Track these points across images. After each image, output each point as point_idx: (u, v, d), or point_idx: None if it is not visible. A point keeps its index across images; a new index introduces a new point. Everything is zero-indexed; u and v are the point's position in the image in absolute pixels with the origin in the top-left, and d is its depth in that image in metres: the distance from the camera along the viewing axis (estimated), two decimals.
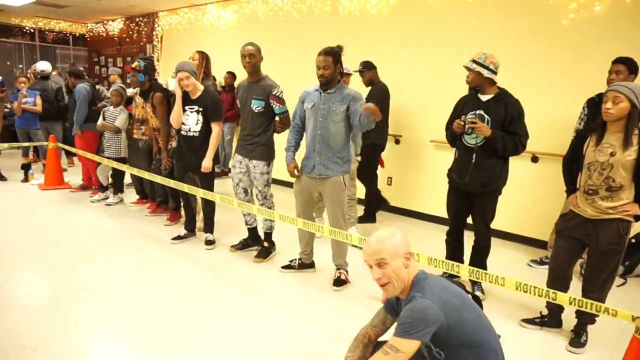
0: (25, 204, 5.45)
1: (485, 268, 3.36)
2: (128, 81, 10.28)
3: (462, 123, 3.13)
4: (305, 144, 3.46)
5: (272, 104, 3.69)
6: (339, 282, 3.48)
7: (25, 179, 6.50)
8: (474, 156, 3.18)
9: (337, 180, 3.35)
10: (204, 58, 4.67)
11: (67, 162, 7.64)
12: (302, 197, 3.51)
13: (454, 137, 3.32)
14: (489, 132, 3.08)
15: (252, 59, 3.64)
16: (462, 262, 3.49)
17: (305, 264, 3.76)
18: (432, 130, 5.21)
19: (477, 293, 3.40)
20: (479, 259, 3.37)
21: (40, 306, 3.02)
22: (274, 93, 3.67)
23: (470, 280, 3.40)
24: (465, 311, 1.70)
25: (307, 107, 3.37)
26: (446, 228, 3.62)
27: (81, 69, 5.92)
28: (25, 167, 6.55)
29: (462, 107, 3.30)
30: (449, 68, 5.02)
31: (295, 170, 3.47)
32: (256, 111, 3.70)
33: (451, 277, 3.14)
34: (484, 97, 3.19)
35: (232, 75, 7.17)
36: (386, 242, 1.75)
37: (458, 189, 3.35)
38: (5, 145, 6.42)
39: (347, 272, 3.55)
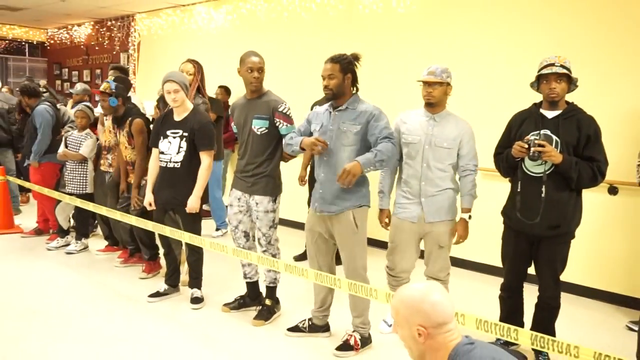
0: None
1: (553, 333, 3.31)
2: (96, 99, 10.55)
3: (526, 146, 3.11)
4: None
5: (277, 124, 3.78)
6: (344, 347, 3.51)
7: None
8: (543, 189, 3.15)
9: (345, 217, 3.40)
10: (200, 71, 4.78)
11: (19, 200, 7.75)
12: (311, 236, 3.59)
13: (512, 164, 3.31)
14: (560, 158, 3.07)
15: (262, 73, 3.79)
16: (521, 325, 3.47)
17: (317, 326, 3.75)
18: (478, 155, 5.20)
19: None
20: (545, 322, 3.33)
21: None
22: (280, 110, 3.77)
23: (533, 349, 3.34)
24: None
25: (314, 130, 3.53)
26: (498, 280, 3.60)
27: (41, 84, 6.08)
28: None
29: (519, 126, 3.31)
30: (501, 78, 5.07)
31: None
32: (258, 133, 3.78)
33: (507, 344, 3.08)
34: (550, 114, 3.22)
35: (225, 91, 7.31)
36: (396, 301, 1.79)
37: (518, 232, 3.33)
38: None
39: (363, 337, 3.55)
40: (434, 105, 3.48)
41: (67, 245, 5.66)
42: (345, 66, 3.34)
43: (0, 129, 6.67)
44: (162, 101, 5.01)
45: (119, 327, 3.83)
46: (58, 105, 6.18)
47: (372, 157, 3.23)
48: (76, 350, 3.45)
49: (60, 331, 3.73)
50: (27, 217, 6.87)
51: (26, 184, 6.06)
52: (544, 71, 3.15)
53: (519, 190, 3.26)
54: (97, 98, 5.12)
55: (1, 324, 3.81)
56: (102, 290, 4.54)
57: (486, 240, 5.10)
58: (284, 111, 3.77)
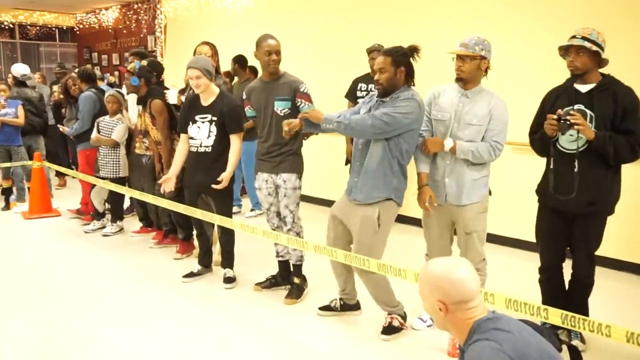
0: (6, 236, 5.71)
1: (586, 310, 3.26)
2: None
3: (555, 117, 2.98)
4: None
5: (299, 104, 3.81)
6: (390, 330, 3.45)
7: (7, 207, 6.82)
8: (576, 164, 3.04)
9: (367, 215, 3.25)
10: (216, 52, 4.77)
11: (56, 184, 7.93)
12: (333, 221, 3.51)
13: (547, 142, 3.16)
14: (592, 134, 2.96)
15: (279, 56, 3.79)
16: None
17: (349, 306, 3.76)
18: (510, 128, 5.11)
19: (576, 342, 3.27)
20: (579, 299, 3.28)
21: None
22: (302, 90, 3.80)
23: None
24: None
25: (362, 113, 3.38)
26: (528, 255, 3.52)
27: (97, 72, 6.12)
28: (6, 192, 6.88)
29: (553, 103, 3.18)
30: (537, 50, 4.95)
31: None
32: (282, 114, 3.80)
33: (554, 327, 2.95)
34: (584, 87, 3.10)
35: (240, 66, 7.19)
36: (421, 276, 1.85)
37: (553, 210, 3.24)
38: None
39: (401, 316, 3.52)
40: (465, 80, 3.20)
41: (103, 227, 5.79)
42: (397, 59, 3.13)
43: (33, 115, 6.78)
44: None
45: (155, 306, 3.92)
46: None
47: (336, 116, 3.19)
48: (116, 330, 3.54)
49: (100, 312, 3.83)
50: (62, 200, 7.03)
51: (61, 169, 6.19)
52: (564, 43, 3.06)
53: (551, 167, 3.17)
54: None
55: (45, 306, 3.94)
56: (138, 271, 4.65)
57: (517, 215, 5.06)
58: (306, 91, 3.82)
